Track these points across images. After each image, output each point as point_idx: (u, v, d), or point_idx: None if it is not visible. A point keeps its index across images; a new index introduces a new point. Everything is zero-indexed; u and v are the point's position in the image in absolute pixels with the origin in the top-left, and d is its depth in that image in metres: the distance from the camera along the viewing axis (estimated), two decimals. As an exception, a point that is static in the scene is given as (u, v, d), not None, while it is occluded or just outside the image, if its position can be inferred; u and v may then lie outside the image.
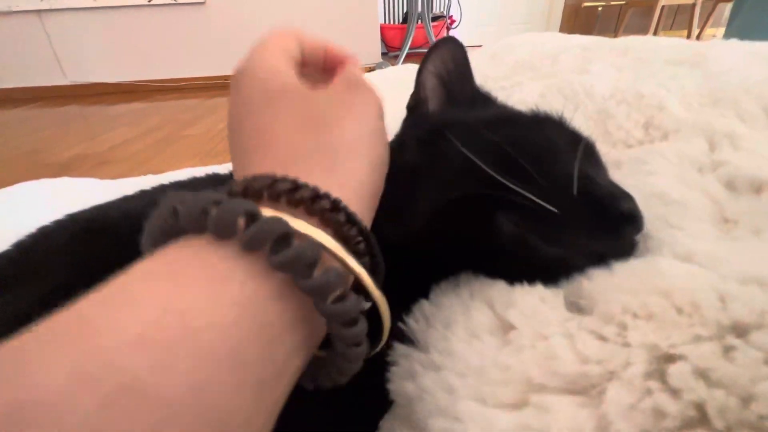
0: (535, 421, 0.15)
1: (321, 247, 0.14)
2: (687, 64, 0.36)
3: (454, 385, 0.17)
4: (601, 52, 0.47)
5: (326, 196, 0.16)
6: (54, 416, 0.09)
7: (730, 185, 0.22)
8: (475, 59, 0.74)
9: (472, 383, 0.17)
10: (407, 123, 0.31)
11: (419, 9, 2.20)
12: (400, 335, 0.23)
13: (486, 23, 3.31)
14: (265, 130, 0.18)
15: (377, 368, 0.22)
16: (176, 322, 0.11)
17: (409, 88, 0.31)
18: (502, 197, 0.21)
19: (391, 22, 3.13)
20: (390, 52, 2.81)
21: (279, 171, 0.16)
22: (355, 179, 0.18)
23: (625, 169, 0.27)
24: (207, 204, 0.14)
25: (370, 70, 2.14)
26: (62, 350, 0.10)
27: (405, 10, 2.98)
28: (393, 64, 2.09)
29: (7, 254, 0.29)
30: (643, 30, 2.63)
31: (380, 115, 0.22)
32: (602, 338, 0.16)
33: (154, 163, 1.05)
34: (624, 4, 2.84)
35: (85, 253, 0.28)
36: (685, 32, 2.71)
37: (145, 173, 0.86)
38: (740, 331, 0.14)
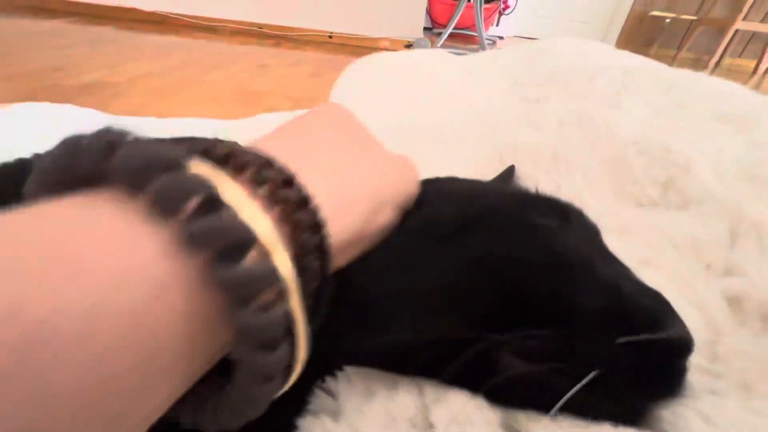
0: None
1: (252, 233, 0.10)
2: (734, 123, 0.31)
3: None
4: (643, 82, 0.41)
5: (298, 187, 0.12)
6: None
7: (736, 304, 0.18)
8: (508, 56, 0.68)
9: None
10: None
11: (473, -13, 2.06)
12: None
13: (543, 14, 3.10)
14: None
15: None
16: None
17: (431, 75, 0.27)
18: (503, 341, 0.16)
19: (443, -5, 2.96)
20: (434, 28, 2.67)
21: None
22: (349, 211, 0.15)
23: (622, 241, 0.23)
24: (113, 139, 0.10)
25: (408, 45, 2.03)
26: None
27: (459, -15, 2.80)
28: (433, 43, 1.98)
29: None
30: (709, 52, 2.43)
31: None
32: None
33: (166, 104, 1.03)
34: (695, 20, 2.61)
35: None
36: (754, 63, 2.50)
37: (153, 113, 0.84)
38: None
